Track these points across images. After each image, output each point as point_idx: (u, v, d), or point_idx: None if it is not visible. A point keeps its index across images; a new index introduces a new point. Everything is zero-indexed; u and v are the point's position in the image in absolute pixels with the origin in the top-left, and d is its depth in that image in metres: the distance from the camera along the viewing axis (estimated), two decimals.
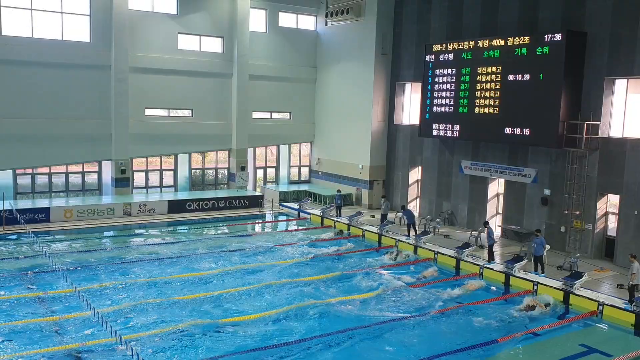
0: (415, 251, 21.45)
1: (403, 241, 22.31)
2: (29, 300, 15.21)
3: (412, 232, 23.34)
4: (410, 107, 29.29)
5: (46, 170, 27.43)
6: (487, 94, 23.40)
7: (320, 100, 33.53)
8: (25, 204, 25.28)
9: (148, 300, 15.21)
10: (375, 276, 18.38)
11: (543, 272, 18.43)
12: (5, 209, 23.23)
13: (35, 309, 14.67)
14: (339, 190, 28.16)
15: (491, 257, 19.85)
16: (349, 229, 24.84)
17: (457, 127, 24.88)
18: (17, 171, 26.79)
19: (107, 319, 12.51)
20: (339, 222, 25.66)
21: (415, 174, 28.89)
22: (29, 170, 27.11)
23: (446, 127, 25.33)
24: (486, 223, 21.22)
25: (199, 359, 11.99)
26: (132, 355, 11.23)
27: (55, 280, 16.64)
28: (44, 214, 24.49)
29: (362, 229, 24.38)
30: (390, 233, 23.29)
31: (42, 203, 25.62)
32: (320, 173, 33.86)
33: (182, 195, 29.26)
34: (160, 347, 12.61)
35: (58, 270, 16.40)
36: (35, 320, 13.88)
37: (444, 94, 25.42)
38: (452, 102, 25.04)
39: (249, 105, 31.26)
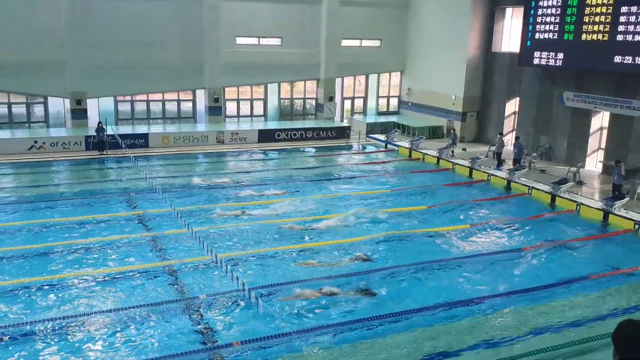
0: (508, 186, 20.73)
1: (496, 175, 21.58)
2: (131, 219, 16.23)
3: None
4: (510, 33, 27.53)
5: (144, 97, 28.58)
6: (597, 18, 21.47)
7: (412, 27, 32.20)
8: (126, 129, 26.64)
9: (241, 224, 15.79)
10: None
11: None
12: (108, 134, 24.56)
13: (135, 226, 15.66)
14: (453, 129, 26.97)
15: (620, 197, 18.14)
16: (438, 162, 24.27)
17: (560, 55, 23.18)
18: (118, 98, 28.13)
19: (203, 238, 13.09)
20: (457, 164, 23.48)
21: (512, 106, 27.51)
22: (128, 98, 28.38)
23: (549, 55, 23.66)
24: (619, 161, 19.51)
25: (291, 278, 12.35)
26: (226, 273, 11.77)
27: (154, 201, 17.58)
28: (143, 140, 25.72)
29: (452, 162, 23.75)
30: (483, 167, 22.60)
31: (141, 129, 26.90)
32: (409, 104, 33.04)
33: (272, 125, 29.73)
34: (255, 268, 13.12)
35: (157, 191, 17.29)
36: (135, 235, 14.84)
37: (548, 19, 23.61)
38: (556, 28, 23.24)
39: (338, 32, 30.63)
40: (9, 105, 26.23)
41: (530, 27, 24.50)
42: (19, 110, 26.59)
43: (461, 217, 17.34)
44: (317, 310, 11.12)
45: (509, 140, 26.43)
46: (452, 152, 24.85)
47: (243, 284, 10.92)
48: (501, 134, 24.68)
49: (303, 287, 11.73)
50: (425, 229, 16.02)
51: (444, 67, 29.73)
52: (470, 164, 22.85)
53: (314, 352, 9.74)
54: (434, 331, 10.58)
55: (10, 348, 9.64)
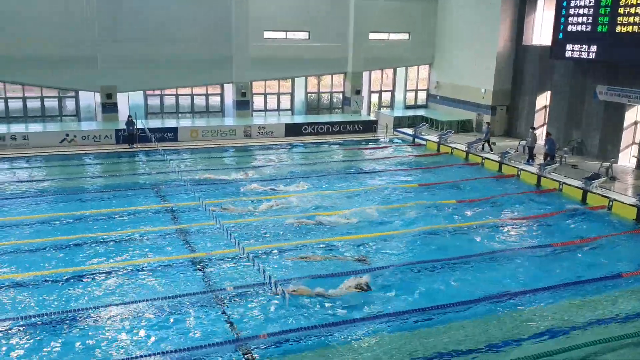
0: (538, 181, 20.37)
1: (526, 170, 21.24)
2: (160, 211, 16.42)
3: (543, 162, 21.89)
4: (541, 26, 26.99)
5: (173, 92, 28.86)
6: (633, 10, 20.86)
7: (441, 20, 31.81)
8: (155, 123, 26.93)
9: (267, 217, 15.86)
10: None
11: None
12: (138, 127, 24.86)
13: (165, 219, 15.84)
14: (488, 123, 26.20)
15: None
16: (467, 157, 23.97)
17: (594, 48, 22.61)
18: (147, 92, 28.45)
19: (231, 232, 13.17)
20: (487, 158, 23.21)
21: (543, 100, 26.99)
22: (158, 92, 28.69)
23: (581, 47, 23.12)
24: None
25: (321, 272, 12.36)
26: (253, 266, 11.83)
27: (183, 194, 17.76)
28: (172, 133, 25.98)
29: (481, 156, 23.44)
30: (512, 162, 22.25)
31: (170, 123, 27.16)
32: (438, 97, 32.69)
33: (298, 119, 29.74)
34: (280, 262, 13.16)
35: (186, 185, 17.48)
36: (164, 227, 15.03)
37: (581, 11, 23.06)
38: (590, 20, 22.67)
39: (365, 26, 30.46)
40: (42, 99, 26.76)
41: (563, 19, 23.96)
42: (51, 104, 27.10)
43: (490, 212, 17.09)
44: (346, 304, 11.10)
45: (541, 134, 25.96)
46: (486, 145, 24.49)
47: (269, 277, 10.96)
48: (533, 128, 24.24)
49: (301, 283, 11.66)
50: (454, 224, 15.87)
51: (473, 60, 29.33)
52: (499, 159, 22.53)
53: (342, 346, 9.73)
54: (466, 327, 10.49)
55: (43, 336, 9.87)
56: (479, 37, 28.74)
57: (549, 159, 21.76)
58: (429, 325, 10.53)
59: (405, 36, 32.17)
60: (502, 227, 15.94)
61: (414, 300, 11.47)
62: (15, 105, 26.41)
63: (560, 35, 24.12)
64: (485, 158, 23.17)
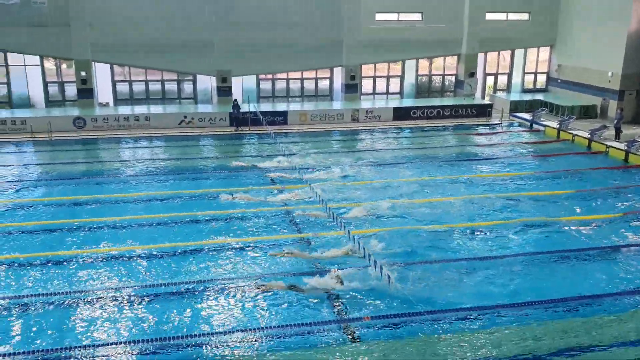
0: None
1: None
2: (270, 192, 16.79)
3: None
4: None
5: (284, 76, 29.37)
6: None
7: None
8: (266, 107, 27.60)
9: (372, 202, 15.72)
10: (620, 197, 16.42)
11: None
12: (250, 111, 25.59)
13: (273, 200, 16.17)
14: (621, 109, 23.85)
15: None
16: (589, 145, 22.31)
17: None
18: (260, 77, 29.20)
19: (337, 214, 13.18)
20: (612, 147, 21.48)
21: None
22: (269, 76, 29.35)
23: None
24: None
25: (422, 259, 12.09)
26: (359, 248, 11.75)
27: (292, 177, 18.02)
28: (282, 117, 26.49)
29: (606, 145, 21.68)
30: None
31: (280, 107, 27.70)
32: (559, 81, 30.66)
33: (407, 103, 29.20)
34: (386, 245, 12.97)
35: (295, 168, 17.72)
36: (272, 209, 15.35)
37: None
38: None
39: (482, 5, 29.20)
40: (162, 82, 28.35)
41: None
42: (171, 87, 28.65)
43: (613, 205, 15.77)
44: (455, 292, 10.80)
45: None
46: (618, 133, 22.60)
47: (375, 261, 10.82)
48: None
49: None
50: (571, 217, 14.82)
51: (599, 41, 27.12)
52: (626, 147, 20.73)
53: (446, 334, 9.44)
54: (570, 325, 9.89)
55: (158, 304, 10.45)
56: (608, 16, 26.48)
57: None
58: (527, 320, 10.04)
59: (525, 16, 30.42)
60: (625, 221, 14.63)
61: (514, 294, 10.93)
62: (138, 88, 28.20)
63: None
64: (611, 147, 21.43)
